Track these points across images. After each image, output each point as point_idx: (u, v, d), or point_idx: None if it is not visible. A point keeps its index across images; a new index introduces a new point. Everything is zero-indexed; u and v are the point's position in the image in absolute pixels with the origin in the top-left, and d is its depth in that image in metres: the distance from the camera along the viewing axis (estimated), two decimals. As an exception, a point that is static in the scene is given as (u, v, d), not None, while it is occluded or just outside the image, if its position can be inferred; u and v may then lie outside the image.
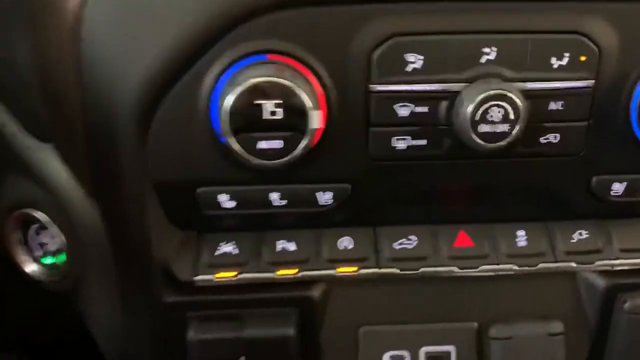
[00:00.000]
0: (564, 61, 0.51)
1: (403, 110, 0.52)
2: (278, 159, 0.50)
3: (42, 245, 0.65)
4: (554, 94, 0.52)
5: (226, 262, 0.58)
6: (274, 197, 0.56)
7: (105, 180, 0.56)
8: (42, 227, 0.64)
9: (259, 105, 0.48)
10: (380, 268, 0.59)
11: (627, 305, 0.61)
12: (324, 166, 0.55)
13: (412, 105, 0.52)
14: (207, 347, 0.58)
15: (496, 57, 0.51)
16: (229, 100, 0.48)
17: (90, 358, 0.78)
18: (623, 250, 0.61)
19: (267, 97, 0.48)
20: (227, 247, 0.59)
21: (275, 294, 0.60)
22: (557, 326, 0.62)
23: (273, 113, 0.48)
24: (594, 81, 0.52)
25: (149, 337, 0.62)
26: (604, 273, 0.62)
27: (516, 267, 0.60)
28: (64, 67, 0.52)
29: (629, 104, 0.54)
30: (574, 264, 0.61)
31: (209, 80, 0.50)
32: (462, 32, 0.50)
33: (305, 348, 0.61)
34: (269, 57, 0.50)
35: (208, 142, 0.52)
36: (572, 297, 0.63)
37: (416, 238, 0.60)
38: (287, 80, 0.47)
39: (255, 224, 0.59)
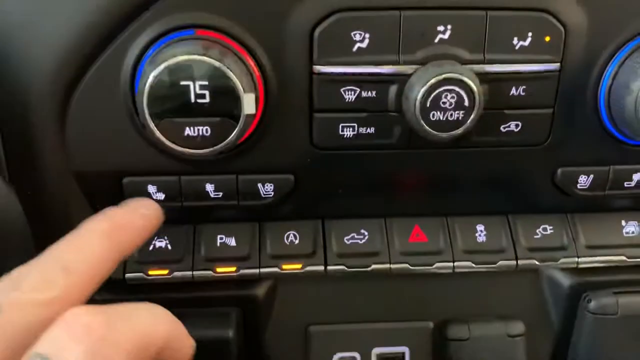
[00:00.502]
0: (527, 42, 0.47)
1: (349, 95, 0.47)
2: (207, 148, 0.45)
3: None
4: (516, 78, 0.47)
5: (159, 258, 0.54)
6: (209, 188, 0.51)
7: (22, 168, 0.50)
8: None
9: (185, 86, 0.43)
10: (328, 265, 0.55)
11: (592, 304, 0.58)
12: (263, 155, 0.50)
13: (358, 90, 0.47)
14: (139, 349, 0.54)
15: (451, 36, 0.46)
16: (148, 81, 0.42)
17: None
18: (589, 247, 0.57)
19: (192, 77, 0.42)
20: (160, 242, 0.54)
21: (214, 292, 0.55)
22: (518, 327, 0.58)
23: (200, 96, 0.43)
24: (559, 64, 0.48)
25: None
26: (568, 271, 0.58)
27: (474, 264, 0.56)
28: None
29: (597, 90, 0.49)
30: (536, 262, 0.57)
31: (131, 57, 0.45)
32: (413, 7, 0.45)
33: (247, 350, 0.57)
34: (198, 32, 0.45)
35: (132, 127, 0.47)
36: (534, 295, 0.59)
37: (367, 232, 0.56)
38: (215, 58, 0.42)
39: (192, 218, 0.54)
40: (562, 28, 0.47)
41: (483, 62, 0.46)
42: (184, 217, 0.54)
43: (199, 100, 0.43)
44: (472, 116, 0.45)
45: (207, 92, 0.43)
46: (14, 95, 0.47)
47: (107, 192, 0.50)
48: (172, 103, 0.43)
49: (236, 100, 0.43)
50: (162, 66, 0.42)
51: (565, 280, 0.58)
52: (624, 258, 0.57)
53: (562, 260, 0.57)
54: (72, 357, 0.31)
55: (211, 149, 0.44)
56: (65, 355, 0.31)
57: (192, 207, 0.51)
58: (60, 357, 0.31)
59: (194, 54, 0.42)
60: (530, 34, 0.46)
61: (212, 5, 0.44)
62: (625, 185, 0.54)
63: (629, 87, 0.47)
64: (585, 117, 0.50)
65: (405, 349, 0.58)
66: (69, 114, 0.47)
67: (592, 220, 0.58)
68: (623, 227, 0.58)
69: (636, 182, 0.54)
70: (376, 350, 0.58)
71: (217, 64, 0.42)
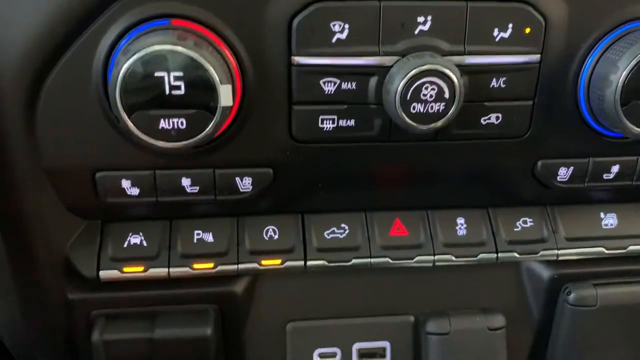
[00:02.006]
0: (507, 33, 0.46)
1: (329, 87, 0.46)
2: (183, 141, 0.43)
3: None
4: (496, 70, 0.47)
5: (134, 255, 0.52)
6: (185, 183, 0.49)
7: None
8: None
9: (159, 77, 0.42)
10: (308, 260, 0.54)
11: (572, 296, 0.58)
12: (241, 149, 0.48)
13: (338, 81, 0.46)
14: (114, 348, 0.52)
15: (432, 27, 0.45)
16: (122, 72, 0.41)
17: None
18: (569, 239, 0.57)
19: (167, 68, 0.41)
20: (135, 239, 0.52)
21: (192, 289, 0.54)
22: (498, 320, 0.58)
23: (174, 87, 0.42)
24: (539, 56, 0.47)
25: (51, 336, 0.55)
26: (548, 263, 0.58)
27: (454, 258, 0.56)
28: None
29: (577, 82, 0.49)
30: (516, 254, 0.56)
31: (103, 48, 0.44)
32: (394, -3, 0.44)
33: (225, 348, 0.56)
34: (173, 22, 0.43)
35: (105, 120, 0.46)
36: (514, 288, 0.59)
37: (348, 227, 0.55)
38: (190, 49, 0.41)
39: (167, 213, 0.53)
40: (542, 20, 0.46)
41: (463, 53, 0.46)
42: (159, 212, 0.52)
43: (174, 92, 0.42)
44: (452, 108, 0.45)
45: (182, 84, 0.41)
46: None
47: (80, 188, 0.49)
48: (146, 95, 0.42)
49: (212, 91, 0.42)
50: (135, 56, 0.40)
51: (545, 273, 0.59)
52: (603, 250, 0.58)
53: (542, 252, 0.57)
54: None
55: (187, 142, 0.43)
56: None
57: (167, 202, 0.50)
58: None
59: (169, 44, 0.41)
60: (510, 25, 0.46)
61: None
62: (604, 177, 0.54)
63: (608, 78, 0.47)
64: (565, 110, 0.50)
65: (386, 344, 0.58)
66: (38, 107, 0.45)
67: (571, 213, 0.58)
68: (602, 219, 0.58)
69: (615, 174, 0.54)
70: (357, 346, 0.58)
71: (192, 54, 0.41)
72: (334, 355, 0.58)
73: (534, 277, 0.59)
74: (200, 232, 0.53)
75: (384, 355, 0.58)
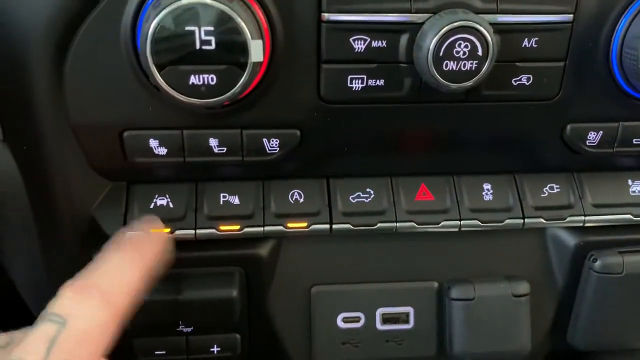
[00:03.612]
0: (540, -9, 0.46)
1: (359, 44, 0.46)
2: (213, 97, 0.43)
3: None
4: (528, 29, 0.46)
5: (161, 216, 0.52)
6: (213, 143, 0.49)
7: (16, 122, 0.48)
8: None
9: (190, 32, 0.41)
10: (333, 223, 0.54)
11: (597, 263, 0.58)
12: (269, 109, 0.48)
13: (368, 39, 0.45)
14: (141, 310, 0.52)
15: (464, -17, 0.44)
16: (152, 26, 0.40)
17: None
18: (596, 206, 0.57)
19: (198, 22, 0.41)
20: (162, 200, 0.52)
21: (217, 252, 0.54)
22: (523, 287, 0.57)
23: (205, 42, 0.41)
24: (572, 15, 0.47)
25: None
26: (574, 230, 0.58)
27: (480, 223, 0.55)
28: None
29: (610, 42, 0.48)
30: (543, 220, 0.56)
31: (132, 2, 0.43)
32: (426, -48, 0.44)
33: (250, 310, 0.56)
34: (203, -24, 0.43)
35: (134, 77, 0.45)
36: (539, 255, 0.59)
37: (373, 191, 0.55)
38: (222, 3, 0.40)
39: (194, 175, 0.53)
40: None
41: (496, 11, 0.45)
42: (186, 174, 0.52)
43: (205, 47, 0.41)
44: (485, 66, 0.44)
45: (212, 38, 0.41)
46: (7, 43, 0.45)
47: (107, 147, 0.49)
48: (177, 50, 0.41)
49: (243, 47, 0.41)
50: (166, 10, 0.40)
51: (570, 240, 0.58)
52: (630, 217, 0.57)
53: (569, 218, 0.56)
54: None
55: (217, 98, 0.43)
56: None
57: (194, 163, 0.50)
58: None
59: (200, -4, 0.40)
60: None
61: None
62: (634, 142, 0.53)
63: (644, 38, 0.46)
64: (597, 71, 0.49)
65: (409, 309, 0.58)
66: (66, 63, 0.45)
67: (598, 179, 0.57)
68: (629, 186, 0.58)
69: (645, 139, 0.53)
70: (381, 310, 0.58)
71: (224, 7, 0.40)
72: (357, 319, 0.58)
73: (559, 244, 0.59)
74: (226, 194, 0.53)
75: (407, 321, 0.58)
